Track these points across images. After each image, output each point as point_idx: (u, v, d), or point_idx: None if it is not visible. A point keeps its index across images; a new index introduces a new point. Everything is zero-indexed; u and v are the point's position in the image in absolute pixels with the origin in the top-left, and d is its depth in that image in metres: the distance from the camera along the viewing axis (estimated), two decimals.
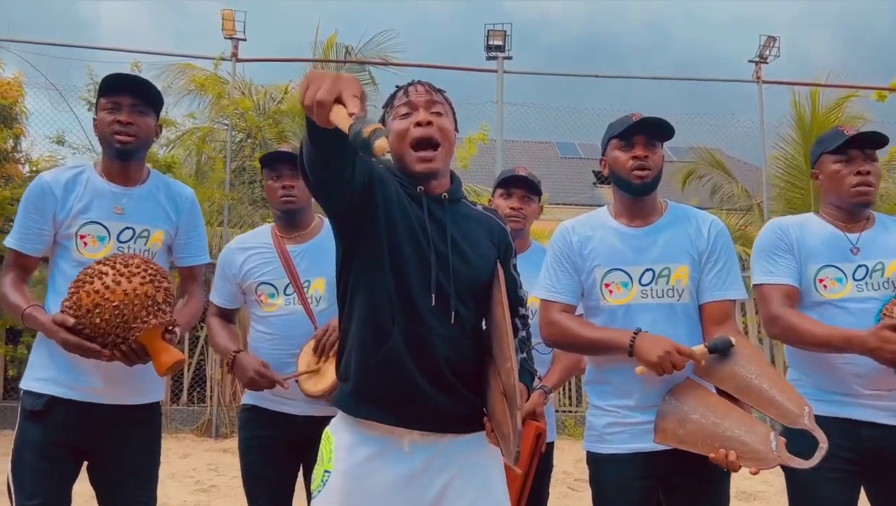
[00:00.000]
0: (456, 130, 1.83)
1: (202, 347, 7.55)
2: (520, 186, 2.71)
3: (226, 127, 8.86)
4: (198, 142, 8.62)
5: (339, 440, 1.66)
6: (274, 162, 2.49)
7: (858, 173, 2.21)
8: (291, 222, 2.49)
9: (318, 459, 1.70)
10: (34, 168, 8.95)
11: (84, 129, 8.82)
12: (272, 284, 2.42)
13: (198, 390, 7.55)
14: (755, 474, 1.79)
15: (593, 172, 17.13)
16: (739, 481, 5.30)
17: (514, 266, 1.85)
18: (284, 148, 2.52)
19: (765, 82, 8.98)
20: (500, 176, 2.82)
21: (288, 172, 2.45)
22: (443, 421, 1.64)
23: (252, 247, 2.50)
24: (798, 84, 9.52)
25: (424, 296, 1.62)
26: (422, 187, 1.69)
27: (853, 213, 2.26)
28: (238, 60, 8.61)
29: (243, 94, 9.11)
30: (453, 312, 1.63)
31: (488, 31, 8.65)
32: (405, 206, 1.66)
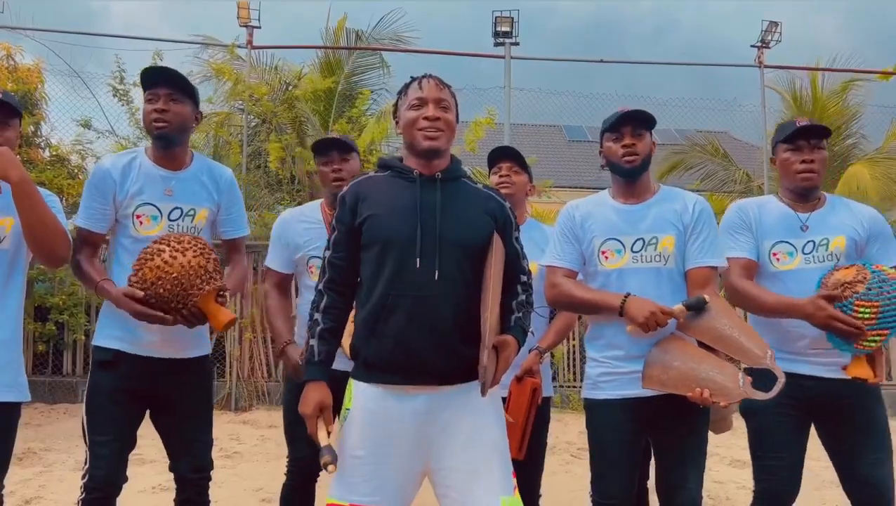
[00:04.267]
0: (457, 118, 2.14)
1: None
2: (505, 158, 2.96)
3: (242, 112, 9.12)
4: (215, 127, 8.87)
5: (357, 386, 1.99)
6: (323, 148, 2.81)
7: (804, 161, 2.51)
8: None
9: (344, 400, 2.03)
10: (54, 152, 9.21)
11: (105, 114, 9.10)
12: None
13: (217, 365, 7.83)
14: (725, 407, 2.15)
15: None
16: (734, 450, 5.56)
17: (517, 238, 2.12)
18: (333, 134, 2.84)
19: (766, 66, 9.17)
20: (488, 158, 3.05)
21: (336, 156, 2.78)
22: (442, 377, 1.93)
23: (307, 220, 2.80)
24: (798, 68, 9.70)
25: (411, 262, 1.91)
26: (417, 170, 2.01)
27: (803, 195, 2.56)
28: (253, 48, 8.87)
29: (261, 79, 9.33)
30: (437, 271, 1.90)
31: (496, 17, 8.86)
32: (394, 195, 1.98)
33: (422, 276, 1.91)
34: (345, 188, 2.08)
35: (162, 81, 2.47)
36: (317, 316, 2.01)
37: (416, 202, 1.96)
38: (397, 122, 2.09)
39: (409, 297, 1.90)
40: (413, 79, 2.08)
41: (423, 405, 1.92)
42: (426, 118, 2.00)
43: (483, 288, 1.92)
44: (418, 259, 1.91)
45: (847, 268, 2.36)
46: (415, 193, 1.98)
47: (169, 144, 2.51)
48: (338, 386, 2.57)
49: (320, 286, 2.03)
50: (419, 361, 1.90)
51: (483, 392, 1.82)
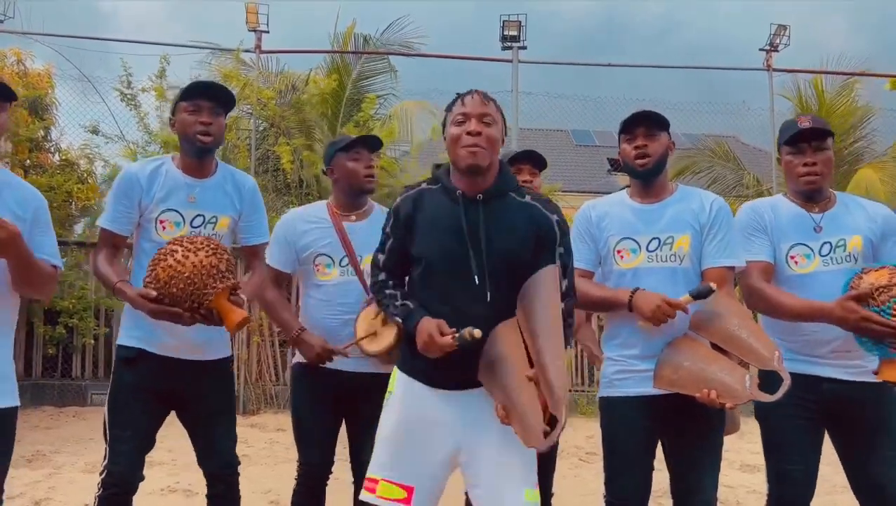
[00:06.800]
0: (504, 133, 2.17)
1: None
2: (526, 161, 2.94)
3: (250, 116, 9.14)
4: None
5: (401, 374, 2.18)
6: (356, 145, 2.80)
7: (806, 164, 2.48)
8: (356, 203, 2.80)
9: (388, 385, 2.20)
10: (64, 157, 9.26)
11: (115, 119, 9.13)
12: (329, 256, 2.73)
13: None
14: (732, 408, 2.14)
15: (608, 159, 17.24)
16: (744, 455, 5.54)
17: (561, 254, 2.10)
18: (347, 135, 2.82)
19: (775, 70, 9.14)
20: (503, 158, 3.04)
21: (367, 155, 2.78)
22: (475, 381, 2.03)
23: (313, 220, 2.79)
24: (808, 72, 9.66)
25: (457, 284, 2.02)
26: (461, 191, 2.06)
27: (809, 197, 2.52)
28: (262, 52, 8.90)
29: (269, 83, 9.35)
30: (488, 294, 2.00)
31: (504, 21, 8.87)
32: (442, 214, 2.07)
33: (468, 297, 2.00)
34: (397, 200, 2.17)
35: (206, 95, 2.50)
36: (390, 291, 2.17)
37: (462, 224, 2.03)
38: (445, 140, 2.13)
39: (453, 319, 1.98)
40: (458, 95, 2.12)
41: (460, 400, 2.06)
42: (469, 133, 2.02)
43: (545, 330, 1.90)
44: (474, 279, 2.01)
45: (878, 270, 2.27)
46: (459, 214, 2.04)
47: (206, 155, 2.56)
48: (351, 386, 2.65)
49: (380, 277, 2.22)
50: (460, 374, 2.02)
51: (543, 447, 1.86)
